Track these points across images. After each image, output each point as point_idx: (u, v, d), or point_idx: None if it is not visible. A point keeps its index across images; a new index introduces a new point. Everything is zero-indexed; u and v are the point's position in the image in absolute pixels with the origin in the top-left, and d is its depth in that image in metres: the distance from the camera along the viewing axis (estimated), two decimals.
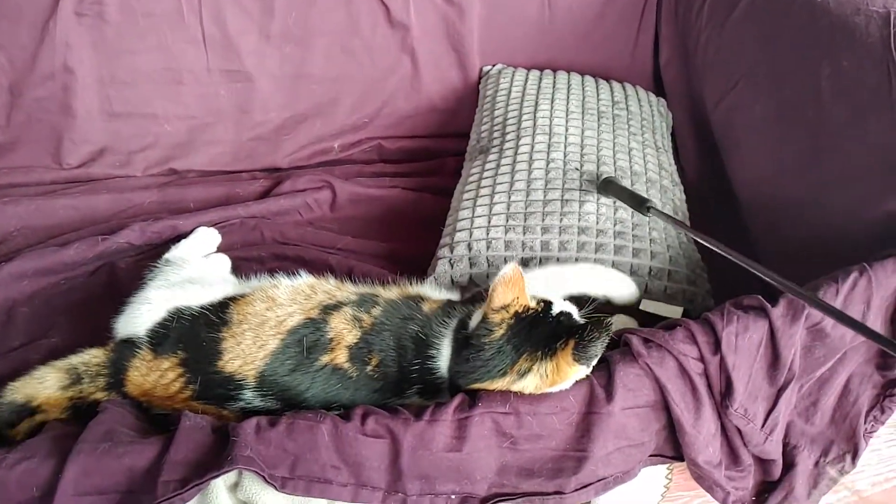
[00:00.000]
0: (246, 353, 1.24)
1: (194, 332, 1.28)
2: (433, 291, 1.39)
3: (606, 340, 1.11)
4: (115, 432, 1.11)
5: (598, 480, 1.15)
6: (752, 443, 1.20)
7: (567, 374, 1.12)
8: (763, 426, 1.19)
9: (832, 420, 1.29)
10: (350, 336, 1.24)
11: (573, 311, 1.24)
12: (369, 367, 1.22)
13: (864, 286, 1.17)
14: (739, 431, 1.19)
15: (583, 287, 1.43)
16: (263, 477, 1.02)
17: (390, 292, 1.35)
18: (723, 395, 1.16)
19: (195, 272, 1.48)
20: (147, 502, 1.00)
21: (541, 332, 1.16)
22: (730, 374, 1.14)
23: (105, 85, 1.94)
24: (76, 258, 1.67)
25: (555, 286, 1.43)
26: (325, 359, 1.22)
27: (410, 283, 1.41)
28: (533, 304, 1.20)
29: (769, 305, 1.16)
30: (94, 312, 1.54)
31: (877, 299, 1.18)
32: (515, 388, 1.13)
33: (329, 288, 1.35)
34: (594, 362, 1.14)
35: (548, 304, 1.21)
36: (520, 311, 1.18)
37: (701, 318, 1.19)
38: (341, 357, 1.22)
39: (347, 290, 1.35)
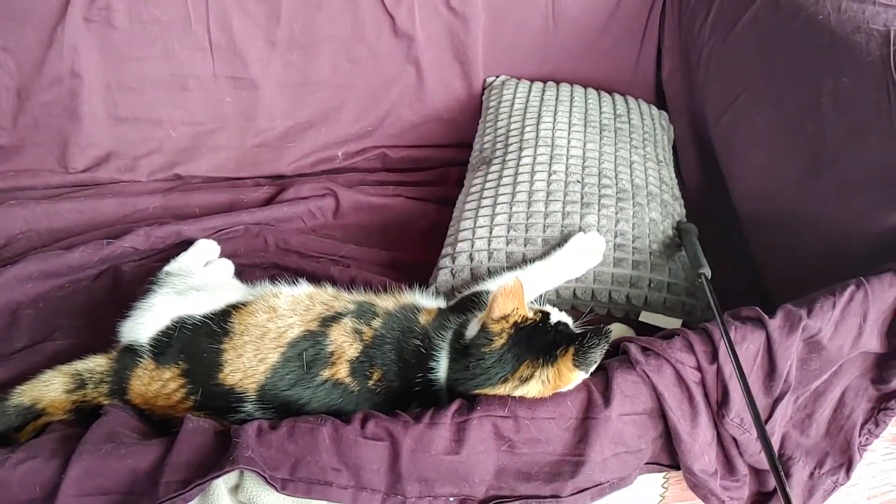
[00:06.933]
0: (247, 367, 1.24)
1: (196, 343, 1.29)
2: (424, 299, 1.40)
3: (606, 347, 1.13)
4: (118, 434, 1.13)
5: (595, 486, 1.16)
6: (747, 452, 1.21)
7: (569, 378, 1.14)
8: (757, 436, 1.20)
9: (827, 432, 1.29)
10: (351, 350, 1.25)
11: (569, 321, 1.26)
12: (371, 382, 1.24)
13: (860, 299, 1.18)
14: (735, 441, 1.20)
15: (565, 272, 1.50)
16: (265, 478, 1.03)
17: (386, 301, 1.36)
18: (719, 404, 1.17)
19: (200, 280, 1.49)
20: (149, 503, 1.01)
21: (540, 340, 1.17)
22: (726, 384, 1.15)
23: (112, 90, 1.96)
24: (81, 262, 1.68)
25: (543, 283, 1.49)
26: (326, 373, 1.23)
27: (403, 291, 1.42)
28: (531, 314, 1.22)
29: (766, 317, 1.17)
30: (98, 316, 1.56)
31: (873, 312, 1.19)
32: (517, 393, 1.15)
33: (326, 298, 1.36)
34: (593, 368, 1.15)
35: (546, 315, 1.23)
36: (519, 321, 1.20)
37: (699, 327, 1.21)
38: (342, 371, 1.23)
39: (345, 300, 1.36)
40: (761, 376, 1.18)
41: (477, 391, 1.17)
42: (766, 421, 1.19)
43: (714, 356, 1.16)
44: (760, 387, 1.18)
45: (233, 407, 1.24)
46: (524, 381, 1.14)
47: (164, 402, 1.27)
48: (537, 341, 1.17)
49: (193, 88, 2.00)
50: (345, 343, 1.26)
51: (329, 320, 1.29)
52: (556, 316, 1.25)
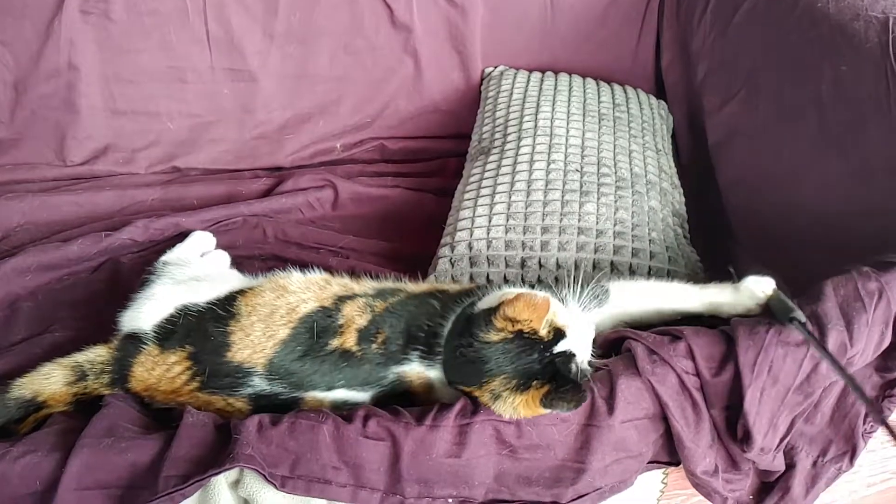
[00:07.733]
0: (255, 343, 1.24)
1: (202, 328, 1.29)
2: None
3: (574, 408, 1.06)
4: (118, 427, 1.12)
5: (595, 490, 1.14)
6: (761, 464, 1.19)
7: (533, 412, 1.09)
8: (775, 449, 1.18)
9: (831, 420, 1.28)
10: (361, 320, 1.25)
11: (587, 350, 1.18)
12: (375, 344, 1.22)
13: (884, 308, 1.14)
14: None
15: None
16: (264, 475, 1.03)
17: (419, 287, 1.35)
18: (741, 441, 1.14)
19: (199, 270, 1.49)
20: (148, 497, 1.01)
21: (528, 361, 1.11)
22: (749, 428, 1.12)
23: (109, 82, 1.95)
24: (79, 254, 1.68)
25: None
26: (334, 343, 1.23)
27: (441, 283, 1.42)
28: (543, 332, 1.12)
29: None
30: (97, 308, 1.56)
31: (892, 315, 1.15)
32: (490, 405, 1.10)
33: (345, 282, 1.36)
34: (560, 412, 1.10)
35: (557, 337, 1.13)
36: (525, 331, 1.12)
37: (705, 330, 1.17)
38: (350, 340, 1.23)
39: (365, 286, 1.35)
40: (798, 399, 1.14)
41: (461, 388, 1.15)
42: (788, 434, 1.18)
43: (719, 368, 1.13)
44: (790, 409, 1.15)
45: (240, 382, 1.24)
46: (495, 397, 1.10)
47: (167, 385, 1.26)
48: (525, 360, 1.11)
49: (191, 81, 2.00)
50: (356, 315, 1.25)
51: (346, 298, 1.29)
52: (569, 343, 1.14)
